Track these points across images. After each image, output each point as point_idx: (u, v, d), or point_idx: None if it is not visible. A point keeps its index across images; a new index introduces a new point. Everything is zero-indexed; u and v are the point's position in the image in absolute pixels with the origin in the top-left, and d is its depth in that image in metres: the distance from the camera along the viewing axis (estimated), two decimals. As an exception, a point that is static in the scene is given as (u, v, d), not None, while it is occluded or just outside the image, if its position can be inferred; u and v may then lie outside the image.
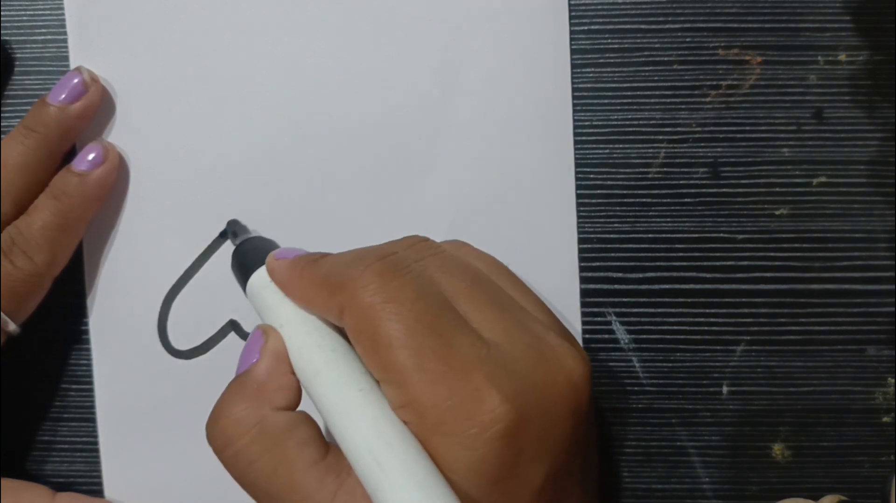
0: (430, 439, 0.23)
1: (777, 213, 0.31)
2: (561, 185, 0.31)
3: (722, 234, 0.31)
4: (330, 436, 0.24)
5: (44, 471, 0.33)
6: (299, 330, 0.26)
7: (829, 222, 0.31)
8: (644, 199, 0.31)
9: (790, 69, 0.31)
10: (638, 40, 0.31)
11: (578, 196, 0.31)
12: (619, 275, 0.31)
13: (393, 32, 0.31)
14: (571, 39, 0.31)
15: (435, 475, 0.22)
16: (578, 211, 0.31)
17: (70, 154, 0.32)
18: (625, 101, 0.31)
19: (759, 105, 0.31)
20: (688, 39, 0.31)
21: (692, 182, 0.31)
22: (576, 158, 0.31)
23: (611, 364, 0.32)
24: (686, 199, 0.31)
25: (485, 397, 0.22)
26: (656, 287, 0.31)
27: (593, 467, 0.28)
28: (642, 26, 0.31)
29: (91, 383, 0.33)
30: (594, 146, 0.31)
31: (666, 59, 0.31)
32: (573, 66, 0.31)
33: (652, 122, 0.31)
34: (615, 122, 0.31)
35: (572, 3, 0.31)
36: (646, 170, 0.31)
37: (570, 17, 0.31)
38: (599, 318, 0.32)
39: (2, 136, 0.32)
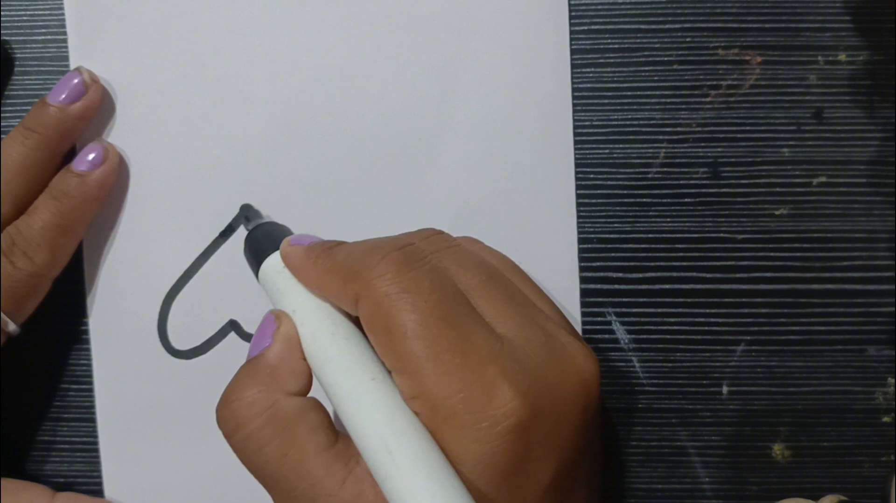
0: (440, 431, 0.22)
1: (777, 213, 0.31)
2: (561, 185, 0.31)
3: (722, 234, 0.31)
4: (339, 423, 0.24)
5: (44, 471, 0.33)
6: (312, 316, 0.25)
7: (829, 222, 0.31)
8: (644, 199, 0.31)
9: (790, 69, 0.31)
10: (638, 40, 0.31)
11: (578, 196, 0.31)
12: (619, 275, 0.31)
13: (393, 32, 0.31)
14: (571, 39, 0.31)
15: (445, 466, 0.22)
16: (578, 211, 0.31)
17: (70, 154, 0.32)
18: (625, 101, 0.31)
19: (759, 105, 0.31)
20: (688, 39, 0.31)
21: (692, 182, 0.31)
22: (576, 158, 0.31)
23: (611, 364, 0.32)
24: (686, 199, 0.31)
25: (498, 391, 0.22)
26: (656, 287, 0.31)
27: (598, 466, 0.28)
28: (642, 26, 0.31)
29: (91, 383, 0.33)
30: (594, 146, 0.31)
31: (666, 59, 0.31)
32: (573, 66, 0.31)
33: (652, 122, 0.31)
34: (615, 122, 0.31)
35: (572, 3, 0.31)
36: (646, 170, 0.31)
37: (570, 17, 0.31)
38: (599, 318, 0.32)
39: (2, 136, 0.32)
